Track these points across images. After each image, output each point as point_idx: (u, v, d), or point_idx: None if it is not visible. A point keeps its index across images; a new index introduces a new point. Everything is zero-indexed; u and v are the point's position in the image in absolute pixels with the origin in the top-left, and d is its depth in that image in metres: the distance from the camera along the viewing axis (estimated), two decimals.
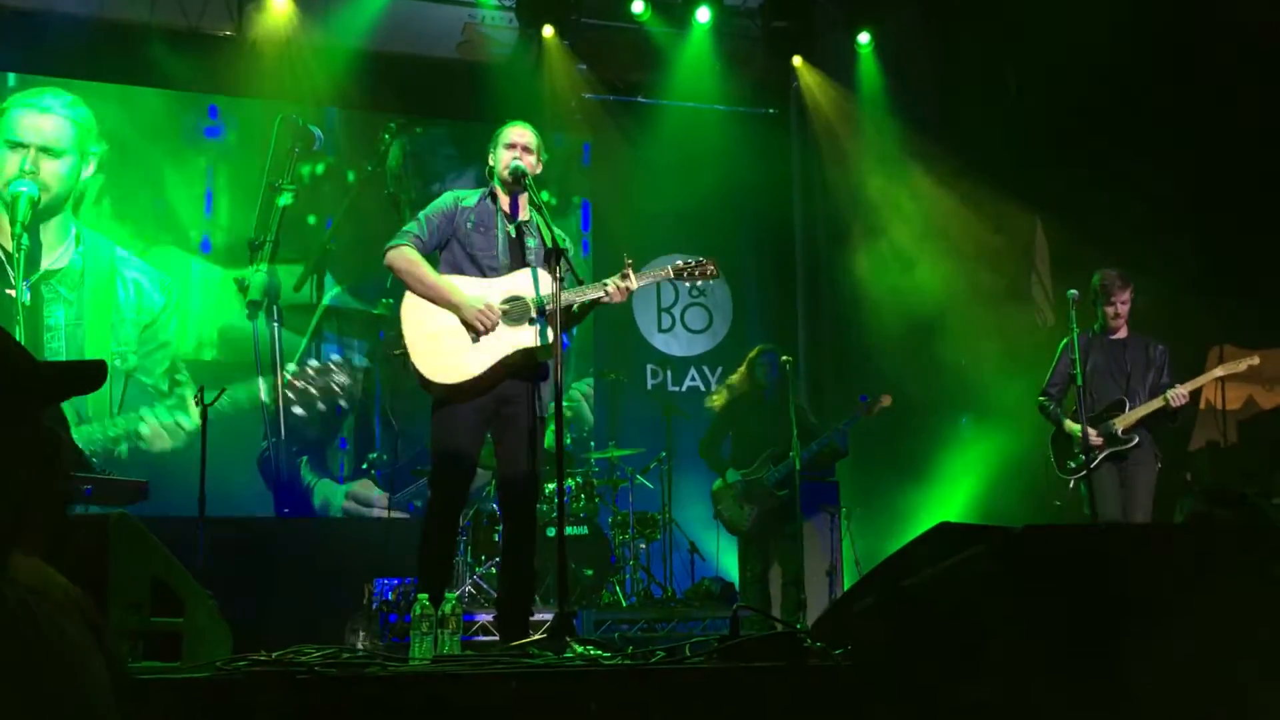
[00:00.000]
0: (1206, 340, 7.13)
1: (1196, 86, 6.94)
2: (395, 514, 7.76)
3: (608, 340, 9.12)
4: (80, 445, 7.21)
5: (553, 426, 4.41)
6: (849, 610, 3.20)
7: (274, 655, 2.97)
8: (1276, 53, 6.56)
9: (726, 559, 7.75)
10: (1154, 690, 2.50)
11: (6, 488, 1.29)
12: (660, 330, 9.45)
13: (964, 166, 8.07)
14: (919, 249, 8.37)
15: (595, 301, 4.32)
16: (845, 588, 7.00)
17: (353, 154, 8.73)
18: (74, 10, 7.87)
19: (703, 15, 8.79)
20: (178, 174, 8.30)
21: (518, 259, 4.38)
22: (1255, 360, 5.82)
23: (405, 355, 4.29)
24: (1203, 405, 7.65)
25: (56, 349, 7.74)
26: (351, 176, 8.70)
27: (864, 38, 9.00)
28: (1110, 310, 5.91)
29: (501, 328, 4.23)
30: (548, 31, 8.63)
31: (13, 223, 7.72)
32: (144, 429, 7.84)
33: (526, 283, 4.30)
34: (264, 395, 8.16)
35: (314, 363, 8.40)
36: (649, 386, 9.17)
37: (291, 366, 8.31)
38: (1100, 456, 5.79)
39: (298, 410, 8.27)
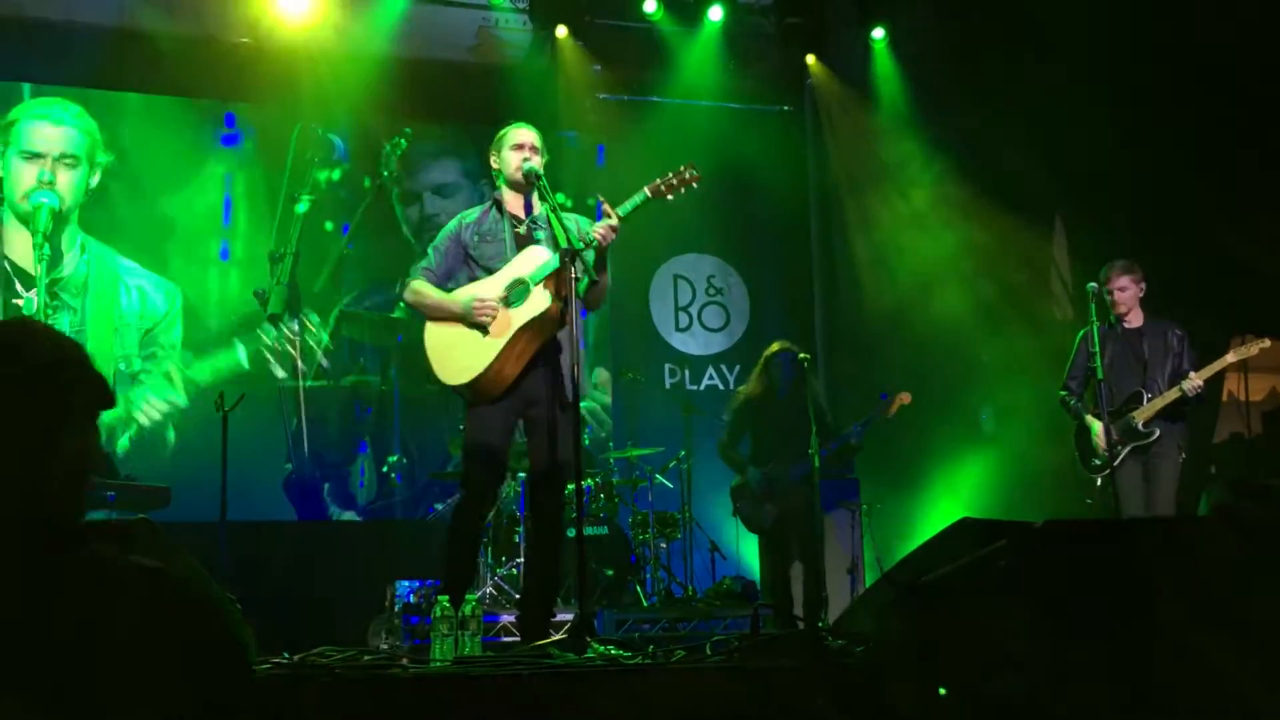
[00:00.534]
0: (1231, 328, 7.06)
1: (1211, 64, 6.88)
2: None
3: (625, 340, 9.12)
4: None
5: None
6: (870, 607, 3.19)
7: (297, 658, 2.99)
8: None
9: (747, 557, 7.74)
10: (1179, 686, 2.48)
11: (80, 487, 1.39)
12: (678, 329, 9.45)
13: (982, 161, 8.03)
14: (936, 245, 8.34)
15: (597, 256, 4.30)
16: (866, 584, 6.98)
17: (368, 159, 8.77)
18: (93, 20, 7.93)
19: (715, 14, 8.78)
20: (196, 182, 8.35)
21: None
22: (1266, 343, 5.77)
23: (436, 379, 4.36)
24: (1225, 397, 7.59)
25: None
26: (367, 182, 8.73)
27: (878, 33, 8.97)
28: (1109, 298, 5.88)
29: (504, 312, 4.26)
30: (561, 32, 8.64)
31: (34, 233, 7.77)
32: (136, 413, 7.88)
33: (523, 264, 4.33)
34: (285, 408, 8.18)
35: (331, 364, 8.44)
36: (667, 386, 9.16)
37: (310, 369, 8.34)
38: (1123, 452, 5.75)
39: (318, 415, 8.30)
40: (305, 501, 8.13)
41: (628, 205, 4.40)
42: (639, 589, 7.04)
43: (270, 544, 7.33)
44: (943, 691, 2.67)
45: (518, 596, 6.10)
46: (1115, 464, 5.68)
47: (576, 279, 4.13)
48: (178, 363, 8.00)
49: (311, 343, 8.38)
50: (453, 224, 4.54)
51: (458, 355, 4.29)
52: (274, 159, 8.53)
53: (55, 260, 7.89)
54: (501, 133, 4.55)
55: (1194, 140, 7.00)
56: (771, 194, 9.27)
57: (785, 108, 9.55)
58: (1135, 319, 5.94)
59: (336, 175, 8.68)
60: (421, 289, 4.41)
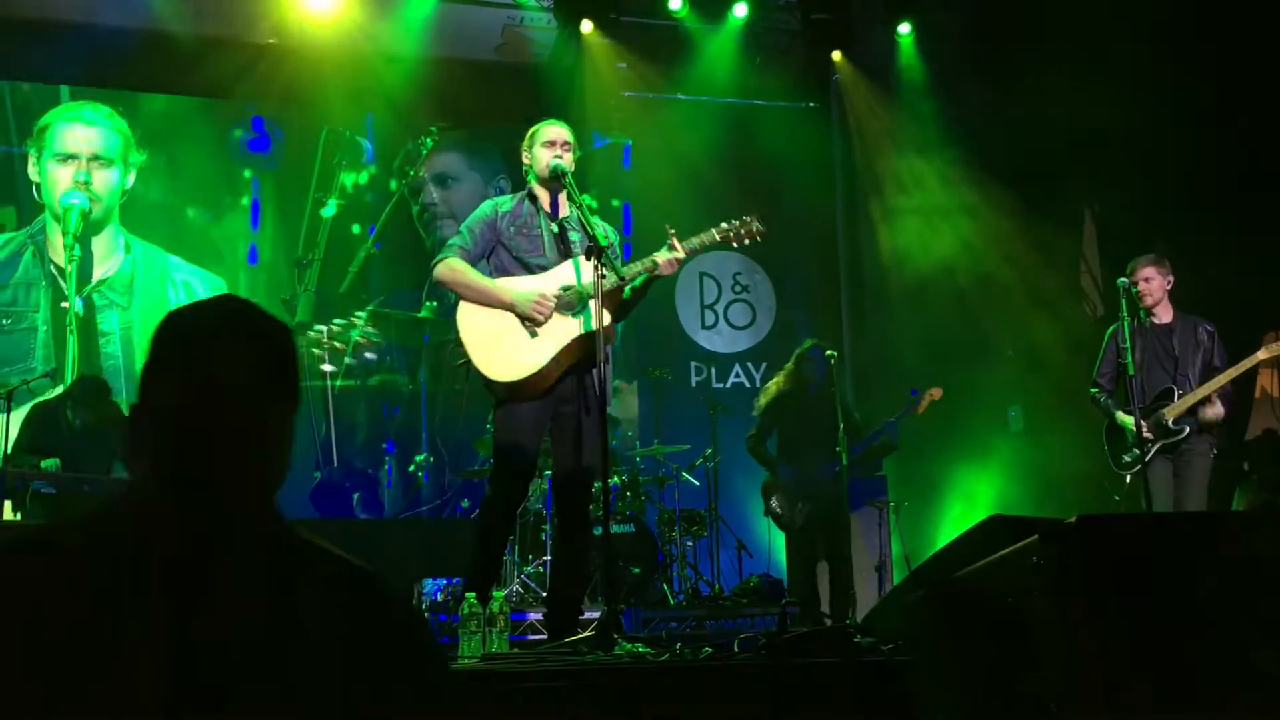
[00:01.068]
0: (1264, 325, 6.99)
1: (1246, 56, 6.80)
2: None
3: (651, 338, 9.12)
4: None
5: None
6: (899, 604, 3.17)
7: None
8: None
9: (774, 555, 7.72)
10: (1215, 684, 2.45)
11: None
12: (704, 327, 9.44)
13: (1009, 157, 7.98)
14: (964, 241, 8.30)
15: (648, 279, 4.31)
16: (894, 582, 6.95)
17: (394, 160, 8.80)
18: (118, 22, 8.00)
19: (740, 10, 8.76)
20: (224, 185, 8.42)
21: (564, 255, 4.40)
22: None
23: (466, 363, 4.29)
24: (1258, 394, 7.51)
25: (112, 353, 7.87)
26: (394, 184, 8.77)
27: (904, 28, 8.93)
28: (1136, 289, 5.82)
29: (556, 317, 4.25)
30: (586, 27, 8.64)
31: (64, 234, 7.86)
32: None
33: (572, 273, 4.32)
34: (313, 415, 8.21)
35: (358, 364, 8.48)
36: (693, 384, 9.15)
37: (337, 368, 8.38)
38: (1153, 449, 5.70)
39: (346, 417, 8.34)
40: (334, 512, 8.16)
41: (694, 241, 4.38)
42: (666, 587, 7.04)
43: None
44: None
45: (545, 594, 6.11)
46: (1145, 460, 5.63)
47: (603, 278, 4.11)
48: None
49: (339, 345, 8.42)
50: (487, 209, 4.48)
51: (506, 350, 4.22)
52: (301, 162, 8.58)
53: (96, 260, 7.98)
54: (534, 129, 4.52)
55: (1232, 137, 6.94)
56: (797, 191, 9.24)
57: (811, 104, 9.52)
58: (1165, 315, 5.89)
59: (364, 178, 8.72)
60: (462, 268, 4.32)
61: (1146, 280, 5.81)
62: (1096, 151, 7.68)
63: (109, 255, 8.04)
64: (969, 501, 8.05)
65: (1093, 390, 6.04)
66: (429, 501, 8.25)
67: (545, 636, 4.72)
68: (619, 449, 7.64)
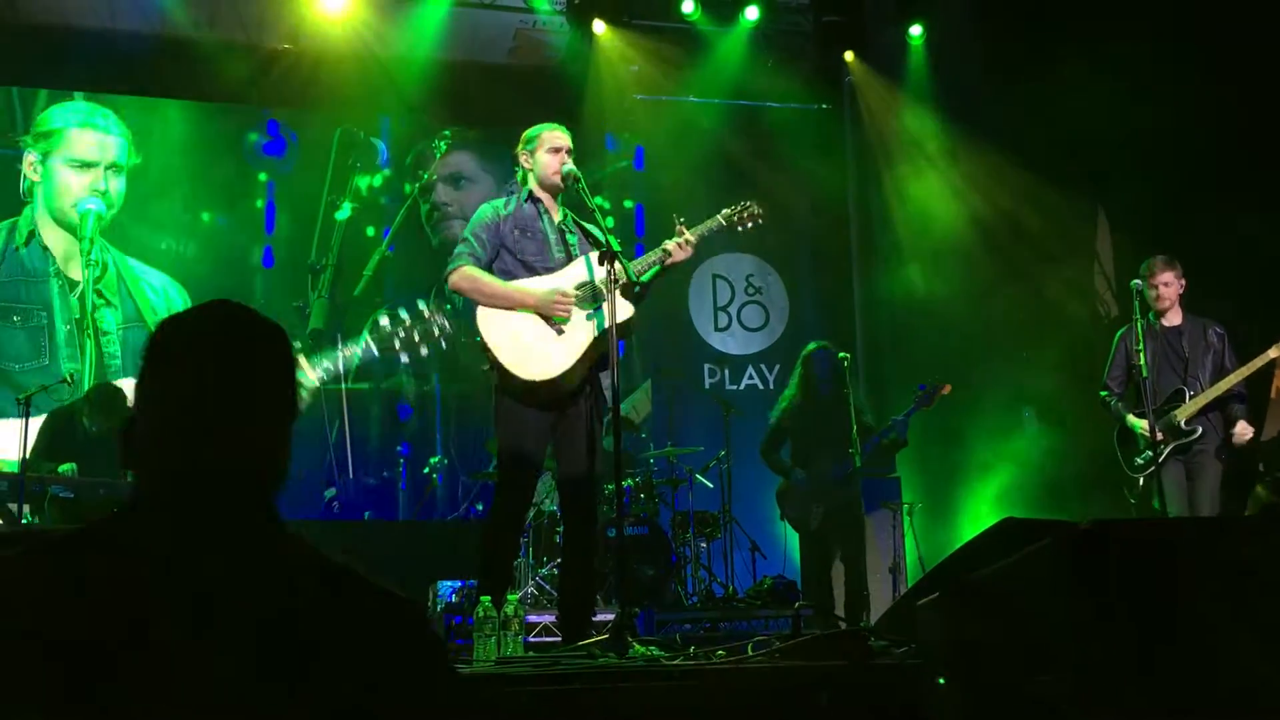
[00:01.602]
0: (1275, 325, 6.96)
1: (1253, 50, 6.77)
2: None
3: (665, 340, 9.13)
4: None
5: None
6: (913, 607, 3.17)
7: None
8: None
9: (789, 557, 7.72)
10: (1226, 688, 2.45)
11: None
12: (717, 329, 9.44)
13: (1023, 158, 7.96)
14: (977, 242, 8.27)
15: (662, 268, 4.35)
16: (909, 584, 6.94)
17: (408, 163, 8.83)
18: (134, 27, 8.05)
19: (751, 13, 8.76)
20: (238, 189, 8.45)
21: (567, 257, 4.43)
22: None
23: (492, 366, 4.29)
24: (1274, 394, 7.47)
25: (113, 351, 7.92)
26: (408, 187, 8.80)
27: (916, 30, 8.92)
28: (1152, 293, 5.80)
29: (578, 314, 4.28)
30: (599, 28, 8.65)
31: (81, 239, 7.92)
32: None
33: (583, 272, 4.34)
34: (327, 422, 8.23)
35: (371, 367, 8.50)
36: (706, 385, 9.16)
37: (350, 372, 8.41)
38: (1166, 451, 5.68)
39: (360, 420, 8.36)
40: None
41: (701, 228, 4.41)
42: (680, 589, 7.04)
43: (313, 543, 7.38)
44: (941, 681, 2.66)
45: (557, 597, 6.13)
46: (1159, 463, 5.62)
47: (615, 281, 4.13)
48: None
49: (417, 336, 8.42)
50: (487, 212, 4.47)
51: (536, 350, 4.23)
52: (316, 165, 8.62)
53: (97, 265, 8.04)
54: (533, 132, 4.51)
55: (1235, 133, 6.90)
56: (810, 192, 9.24)
57: (823, 106, 9.52)
58: (1174, 317, 5.88)
59: (378, 181, 8.75)
60: (477, 274, 4.32)
61: (1165, 285, 5.80)
62: (1110, 151, 7.65)
63: (98, 259, 8.07)
64: (983, 504, 8.03)
65: (1102, 393, 6.03)
66: (443, 504, 8.27)
67: (559, 639, 4.74)
68: (632, 451, 7.64)
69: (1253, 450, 6.66)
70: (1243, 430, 5.67)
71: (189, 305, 7.97)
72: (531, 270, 4.38)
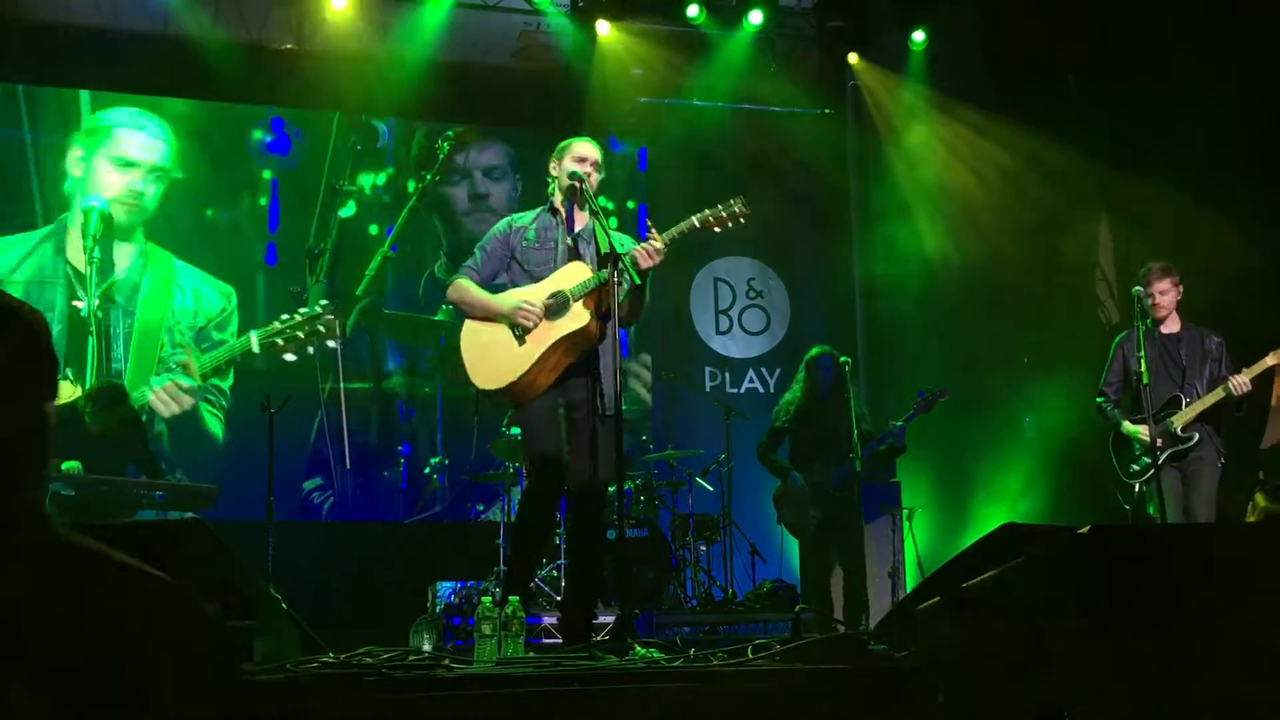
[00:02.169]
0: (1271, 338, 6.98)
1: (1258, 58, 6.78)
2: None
3: (666, 343, 9.14)
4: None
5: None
6: (912, 611, 3.18)
7: (342, 657, 3.03)
8: None
9: (788, 560, 7.73)
10: (1225, 694, 2.46)
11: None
12: (718, 333, 9.45)
13: (1024, 164, 7.98)
14: (979, 248, 8.28)
15: (639, 280, 4.31)
16: (908, 589, 6.94)
17: (412, 163, 8.84)
18: (138, 26, 8.07)
19: (755, 17, 8.77)
20: (242, 187, 8.47)
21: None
22: None
23: (468, 380, 4.44)
24: (1275, 401, 7.48)
25: (118, 355, 7.93)
26: (411, 186, 8.81)
27: (919, 35, 8.93)
28: (1150, 301, 5.81)
29: (545, 322, 4.32)
30: (604, 30, 8.66)
31: (84, 236, 7.91)
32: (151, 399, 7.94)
33: (566, 277, 4.38)
34: (323, 415, 8.22)
35: (374, 367, 8.51)
36: (707, 388, 9.16)
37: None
38: (1162, 457, 5.69)
39: (360, 419, 8.36)
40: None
41: (673, 231, 4.41)
42: (679, 591, 7.05)
43: (313, 544, 7.40)
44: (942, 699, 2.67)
45: (559, 598, 6.14)
46: (1156, 469, 5.62)
47: (619, 284, 4.15)
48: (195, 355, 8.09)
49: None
50: (502, 226, 4.61)
51: (493, 359, 4.36)
52: (320, 163, 8.62)
53: (108, 264, 8.04)
54: (565, 143, 4.58)
55: (1235, 138, 6.92)
56: (812, 196, 9.25)
57: (826, 110, 9.53)
58: (1173, 324, 5.89)
59: (381, 179, 8.76)
60: (466, 287, 4.48)
61: (1163, 293, 5.81)
62: (1113, 156, 7.67)
63: (125, 259, 8.09)
64: (982, 509, 8.04)
65: (1099, 400, 6.04)
66: (443, 505, 8.27)
67: (560, 640, 4.75)
68: (633, 454, 7.66)
69: (1254, 458, 6.68)
70: (1239, 382, 5.61)
71: (228, 306, 8.11)
72: (534, 280, 4.44)
